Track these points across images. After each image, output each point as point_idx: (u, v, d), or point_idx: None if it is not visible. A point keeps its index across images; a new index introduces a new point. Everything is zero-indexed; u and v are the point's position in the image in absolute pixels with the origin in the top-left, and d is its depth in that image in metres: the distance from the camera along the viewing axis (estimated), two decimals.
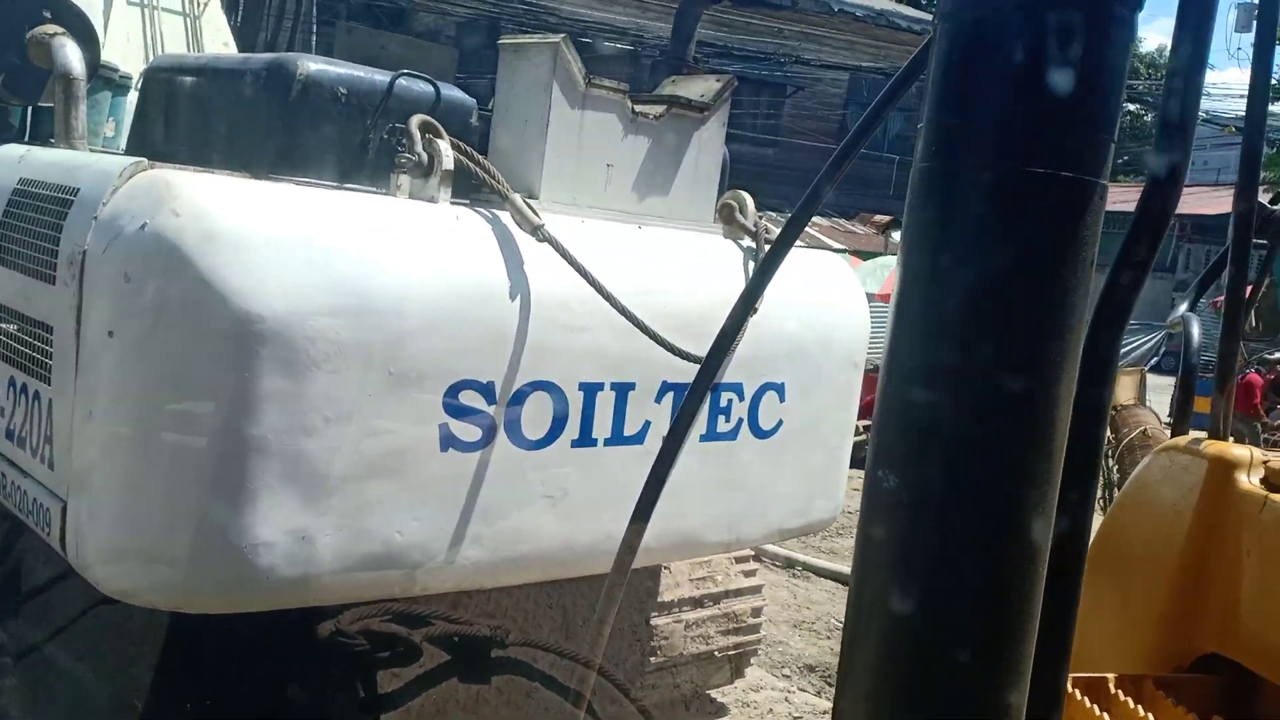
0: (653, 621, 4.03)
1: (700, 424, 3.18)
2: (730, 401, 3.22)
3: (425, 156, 2.62)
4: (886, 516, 0.73)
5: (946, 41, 0.71)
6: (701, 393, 1.36)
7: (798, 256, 3.47)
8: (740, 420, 3.23)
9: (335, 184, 2.76)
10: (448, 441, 2.56)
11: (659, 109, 3.09)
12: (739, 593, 4.33)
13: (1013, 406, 0.70)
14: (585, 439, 2.85)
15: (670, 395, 3.05)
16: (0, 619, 3.13)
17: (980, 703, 0.71)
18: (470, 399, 2.58)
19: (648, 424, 3.00)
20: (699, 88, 3.26)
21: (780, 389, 3.31)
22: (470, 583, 2.81)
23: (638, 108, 3.05)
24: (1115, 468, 8.34)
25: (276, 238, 2.35)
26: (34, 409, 2.68)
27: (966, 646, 0.69)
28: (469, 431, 2.60)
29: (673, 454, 1.28)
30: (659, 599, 4.06)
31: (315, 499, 2.40)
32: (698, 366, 2.92)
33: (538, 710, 3.37)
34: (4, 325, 2.82)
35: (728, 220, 3.37)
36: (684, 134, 3.19)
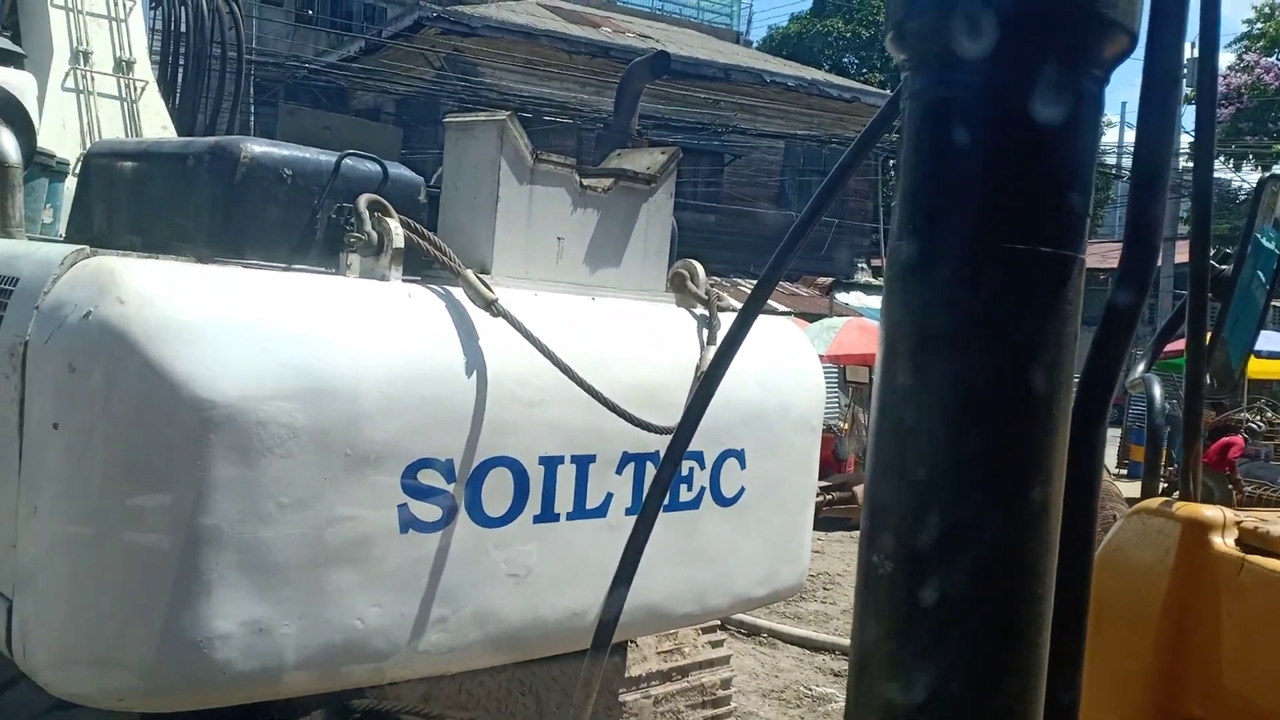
0: (622, 698, 3.95)
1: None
2: (691, 470, 3.21)
3: (375, 235, 2.60)
4: (885, 601, 0.71)
5: (916, 121, 0.71)
6: (673, 468, 1.33)
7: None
8: (702, 489, 3.21)
9: (284, 265, 2.73)
10: (408, 523, 2.51)
11: (607, 182, 3.11)
12: (708, 664, 4.27)
13: (1006, 479, 0.69)
14: (547, 514, 2.81)
15: (631, 466, 3.03)
16: None
17: None
18: (429, 478, 2.53)
19: (610, 496, 2.96)
20: (645, 160, 3.29)
21: (741, 455, 3.30)
22: (436, 668, 2.73)
23: (586, 181, 3.06)
24: None
25: (226, 322, 2.30)
26: None
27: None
28: (429, 512, 2.54)
29: (642, 540, 1.26)
30: (626, 674, 3.99)
31: (272, 589, 2.33)
32: (658, 436, 2.91)
33: None
34: None
35: (679, 289, 3.39)
36: (633, 206, 3.21)
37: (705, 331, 3.28)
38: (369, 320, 2.50)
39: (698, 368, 3.16)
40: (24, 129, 3.49)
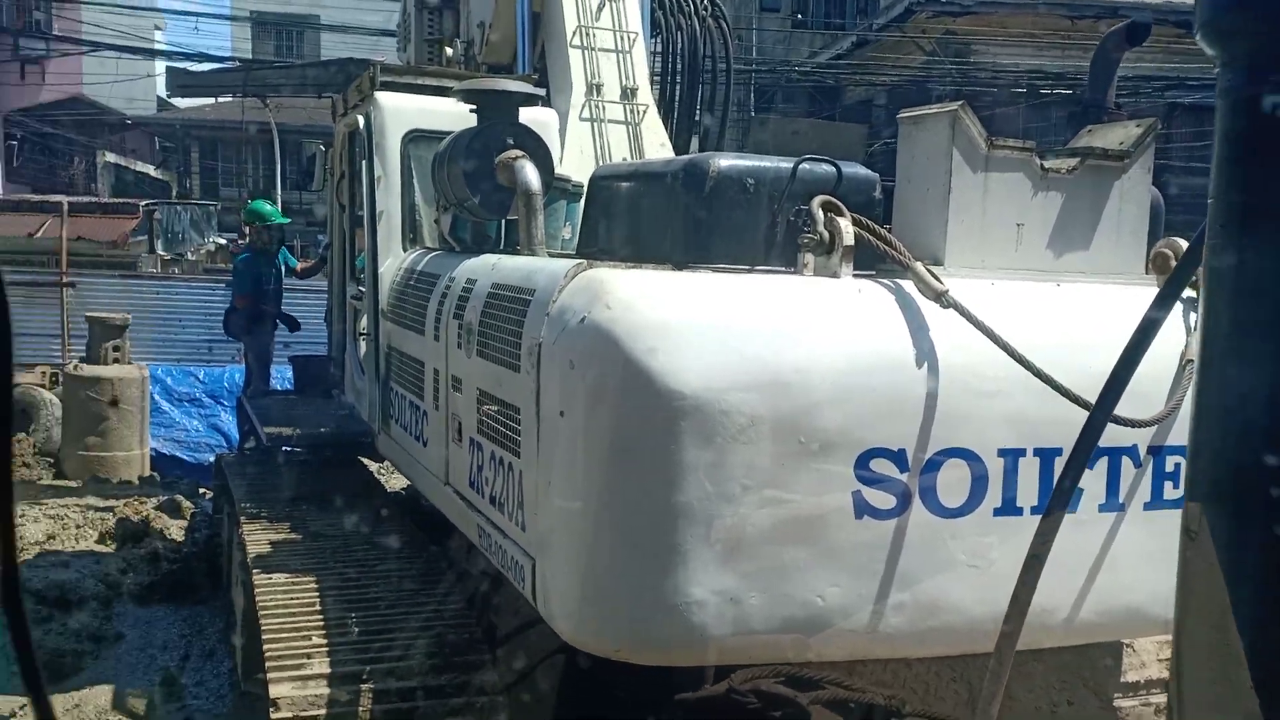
0: (1117, 703, 3.75)
1: (1145, 490, 2.96)
2: (1178, 466, 2.96)
3: (827, 234, 2.73)
4: (1204, 577, 0.70)
5: (1227, 119, 0.68)
6: (1087, 450, 1.31)
7: None
8: None
9: (747, 268, 2.95)
10: (861, 509, 2.61)
11: (1072, 162, 2.97)
12: None
13: None
14: (1009, 508, 2.76)
15: (1104, 461, 2.88)
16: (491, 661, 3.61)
17: None
18: (882, 467, 2.61)
19: (1080, 491, 2.83)
20: (1118, 135, 3.09)
21: None
22: (897, 650, 2.81)
23: (1047, 164, 2.95)
24: None
25: (694, 322, 2.57)
26: (509, 478, 3.13)
27: None
28: (882, 499, 2.63)
29: (1054, 526, 1.25)
30: (1122, 679, 3.77)
31: (739, 563, 2.56)
32: (1132, 430, 2.73)
33: None
34: (486, 408, 3.32)
35: (1162, 270, 3.13)
36: (1102, 186, 3.02)
37: (1193, 316, 3.00)
38: (821, 316, 2.64)
39: (1182, 355, 2.92)
40: (544, 161, 4.09)
